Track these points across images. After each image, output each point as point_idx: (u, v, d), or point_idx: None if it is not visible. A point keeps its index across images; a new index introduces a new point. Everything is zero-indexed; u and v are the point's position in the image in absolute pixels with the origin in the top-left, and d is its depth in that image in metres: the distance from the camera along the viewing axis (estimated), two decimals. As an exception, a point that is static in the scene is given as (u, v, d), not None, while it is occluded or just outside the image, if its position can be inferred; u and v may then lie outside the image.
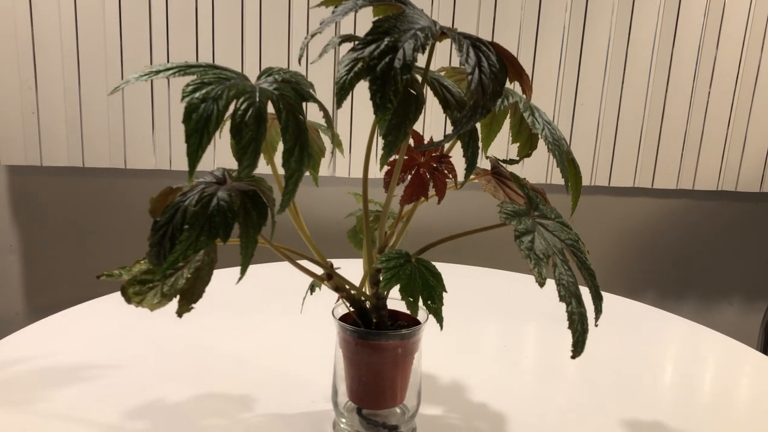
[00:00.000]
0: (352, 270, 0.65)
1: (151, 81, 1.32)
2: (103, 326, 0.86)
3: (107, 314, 0.89)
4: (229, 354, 0.80)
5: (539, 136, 0.52)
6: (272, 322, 0.91)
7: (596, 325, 0.52)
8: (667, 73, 1.39)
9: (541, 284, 0.44)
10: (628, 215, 1.52)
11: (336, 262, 0.61)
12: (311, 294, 0.63)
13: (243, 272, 0.48)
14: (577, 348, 0.46)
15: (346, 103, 1.38)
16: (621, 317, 0.99)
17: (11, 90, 1.30)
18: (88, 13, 1.29)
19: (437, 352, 0.82)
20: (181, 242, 0.47)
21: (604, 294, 1.03)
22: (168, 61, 1.33)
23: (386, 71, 0.44)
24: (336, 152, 1.41)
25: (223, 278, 0.67)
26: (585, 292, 0.50)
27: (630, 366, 0.83)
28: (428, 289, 0.54)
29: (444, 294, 0.54)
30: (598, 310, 0.51)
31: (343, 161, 1.41)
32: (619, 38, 1.37)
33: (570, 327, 0.45)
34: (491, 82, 0.46)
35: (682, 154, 1.43)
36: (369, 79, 0.44)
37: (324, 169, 1.40)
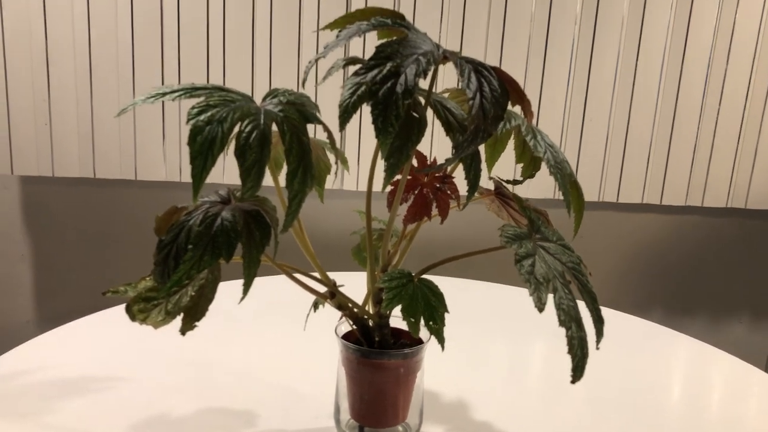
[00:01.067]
0: (356, 284, 0.65)
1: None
2: (109, 338, 0.86)
3: (113, 327, 0.90)
4: (232, 368, 0.80)
5: (541, 159, 0.53)
6: (276, 336, 0.91)
7: (597, 349, 0.52)
8: (677, 89, 1.39)
9: (540, 309, 0.44)
10: (636, 232, 1.52)
11: (340, 276, 0.62)
12: (314, 311, 0.64)
13: (245, 291, 0.49)
14: (577, 373, 0.46)
15: (354, 117, 1.39)
16: (627, 335, 0.99)
17: (25, 102, 1.32)
18: (101, 28, 1.31)
19: (440, 369, 0.82)
20: (185, 262, 0.48)
21: (610, 311, 1.03)
22: (179, 74, 1.35)
23: (388, 96, 0.45)
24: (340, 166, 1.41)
25: (227, 292, 0.67)
26: (586, 315, 0.50)
27: (636, 385, 0.82)
28: (430, 310, 0.54)
29: (446, 313, 0.54)
30: (600, 334, 0.51)
31: (350, 174, 1.42)
32: (628, 54, 1.37)
33: (570, 352, 0.46)
34: (492, 106, 0.46)
35: (691, 171, 1.43)
36: (371, 104, 0.45)
37: (330, 182, 1.41)
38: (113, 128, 1.34)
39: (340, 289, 0.60)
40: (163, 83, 1.33)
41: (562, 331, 0.48)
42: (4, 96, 1.31)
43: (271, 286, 1.08)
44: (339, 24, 0.52)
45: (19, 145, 1.33)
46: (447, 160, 0.46)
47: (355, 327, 0.61)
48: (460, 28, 1.35)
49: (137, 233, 1.46)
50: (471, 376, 0.82)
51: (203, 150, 0.45)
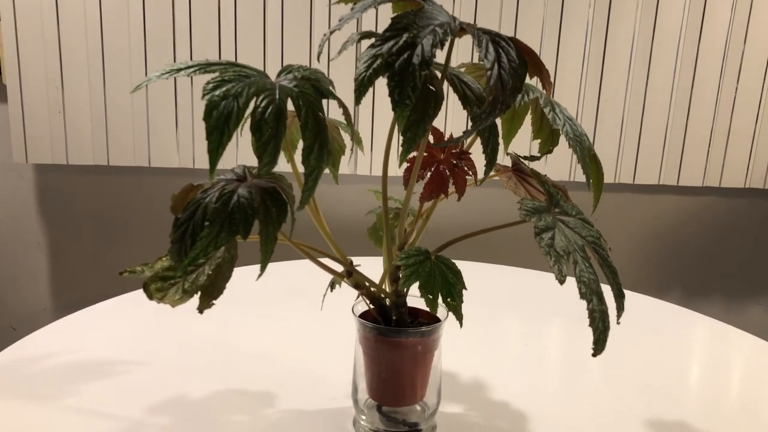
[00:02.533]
0: (373, 267, 0.65)
1: (175, 80, 1.33)
2: (128, 323, 0.87)
3: (131, 311, 0.90)
4: (250, 351, 0.80)
5: (560, 132, 0.52)
6: (293, 319, 0.91)
7: (618, 323, 0.51)
8: (693, 68, 1.37)
9: (561, 281, 0.43)
10: (653, 213, 1.50)
11: (356, 260, 0.61)
12: (331, 291, 0.63)
13: (263, 269, 0.49)
14: (598, 346, 0.45)
15: (368, 102, 1.38)
16: (646, 316, 0.98)
17: (38, 89, 1.32)
18: (113, 13, 1.31)
19: (458, 349, 0.82)
20: (201, 239, 0.47)
21: (628, 293, 1.02)
22: (191, 56, 1.34)
23: (405, 67, 0.44)
24: (357, 150, 1.41)
25: (244, 275, 0.67)
26: (607, 290, 0.49)
27: (655, 366, 0.82)
28: (448, 287, 0.54)
29: (464, 291, 0.54)
30: (620, 308, 0.51)
31: (364, 159, 1.41)
32: (644, 33, 1.35)
33: (591, 325, 0.45)
34: (511, 77, 0.46)
35: (708, 151, 1.41)
36: (387, 76, 0.44)
37: (345, 167, 1.41)
38: (127, 115, 1.34)
39: (357, 269, 0.60)
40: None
41: (579, 312, 0.47)
42: (18, 84, 1.32)
43: (288, 271, 1.08)
44: (355, -3, 0.51)
45: (33, 133, 1.33)
46: (464, 132, 0.46)
47: (372, 306, 0.61)
48: (473, 8, 1.34)
49: (152, 220, 1.47)
50: (488, 356, 0.82)
51: (219, 125, 0.45)
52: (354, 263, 0.60)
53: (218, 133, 0.45)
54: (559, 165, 1.41)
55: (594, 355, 0.45)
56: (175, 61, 1.34)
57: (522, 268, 1.16)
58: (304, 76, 0.51)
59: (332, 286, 0.63)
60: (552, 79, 1.37)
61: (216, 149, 0.44)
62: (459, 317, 0.53)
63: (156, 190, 1.44)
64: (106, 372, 0.73)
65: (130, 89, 1.33)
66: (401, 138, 0.48)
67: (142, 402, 0.67)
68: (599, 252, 0.50)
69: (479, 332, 0.88)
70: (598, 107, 1.38)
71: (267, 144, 0.46)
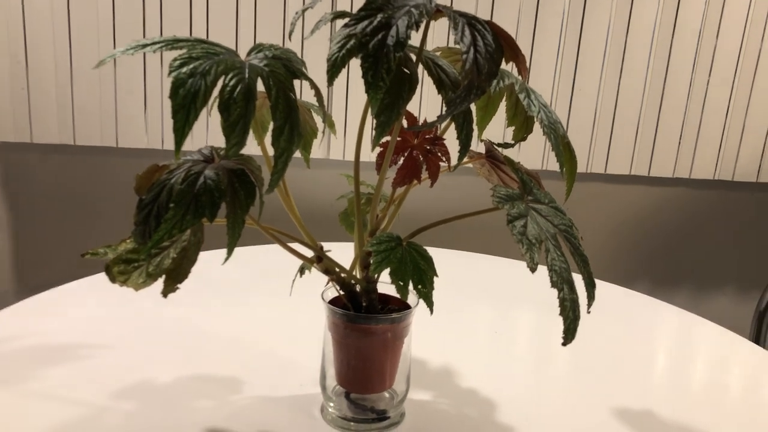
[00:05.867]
0: (344, 253, 0.64)
1: (144, 58, 1.30)
2: (92, 306, 0.85)
3: (96, 294, 0.88)
4: (217, 336, 0.79)
5: (535, 119, 0.51)
6: (261, 304, 0.90)
7: (588, 312, 0.51)
8: (667, 60, 1.38)
9: (533, 269, 0.43)
10: (623, 203, 1.51)
11: (327, 246, 0.60)
12: (300, 276, 0.62)
13: (229, 252, 0.47)
14: (568, 335, 0.45)
15: (341, 84, 1.37)
16: (614, 305, 0.99)
17: (0, 65, 1.28)
18: (81, -11, 1.27)
19: (427, 336, 0.81)
20: (166, 221, 0.46)
21: (597, 282, 1.03)
22: (161, 32, 1.31)
23: (379, 48, 0.43)
24: (329, 134, 1.39)
25: (211, 259, 0.66)
26: (578, 279, 0.49)
27: (622, 354, 0.82)
28: (419, 273, 0.53)
29: (435, 278, 0.53)
30: (591, 297, 0.51)
31: (337, 143, 1.40)
32: (619, 24, 1.35)
33: (561, 314, 0.45)
34: (486, 62, 0.45)
35: (679, 143, 1.42)
36: (361, 57, 0.43)
37: (317, 152, 1.39)
38: (94, 94, 1.30)
39: (327, 254, 0.59)
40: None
41: (550, 300, 0.47)
42: (-20, 59, 1.27)
43: (257, 255, 1.06)
44: (327, -25, 0.50)
45: (-4, 110, 1.29)
46: (438, 117, 0.45)
47: (342, 292, 0.60)
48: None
49: (118, 201, 1.43)
50: (458, 343, 0.82)
51: (186, 103, 0.43)
52: (324, 249, 0.59)
53: (184, 112, 0.43)
54: (533, 153, 1.41)
55: (564, 344, 0.45)
56: (144, 34, 1.31)
57: (494, 256, 1.16)
58: (275, 55, 0.49)
59: (301, 271, 0.62)
60: (527, 66, 1.37)
61: (182, 128, 0.43)
62: (430, 304, 0.52)
63: (123, 170, 1.41)
64: (69, 356, 0.71)
65: (97, 67, 1.30)
66: (374, 122, 0.47)
67: (106, 387, 0.65)
68: (571, 241, 0.50)
69: (450, 319, 0.88)
70: (572, 97, 1.38)
71: (235, 124, 0.44)
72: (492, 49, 0.45)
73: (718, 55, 1.39)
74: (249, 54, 0.50)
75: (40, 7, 1.26)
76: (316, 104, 0.67)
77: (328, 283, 0.61)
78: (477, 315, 0.92)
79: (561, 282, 0.45)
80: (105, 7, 1.28)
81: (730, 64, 1.39)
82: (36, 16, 1.27)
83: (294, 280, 0.63)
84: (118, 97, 1.32)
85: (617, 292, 1.04)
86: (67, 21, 1.28)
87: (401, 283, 0.52)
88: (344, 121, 1.38)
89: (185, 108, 0.43)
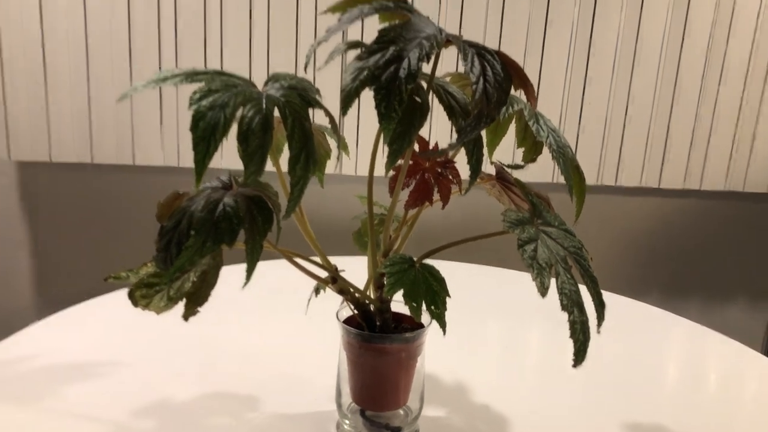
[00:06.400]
0: (358, 268, 0.65)
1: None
2: (110, 323, 0.86)
3: (114, 311, 0.90)
4: (234, 352, 0.80)
5: (544, 144, 0.53)
6: (277, 320, 0.91)
7: (598, 332, 0.52)
8: (676, 71, 1.39)
9: (543, 294, 0.44)
10: (634, 215, 1.52)
11: (342, 261, 0.62)
12: (316, 296, 0.64)
13: (248, 278, 0.49)
14: (579, 357, 0.46)
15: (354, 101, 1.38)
16: (625, 318, 0.99)
17: (20, 85, 1.31)
18: (97, 8, 1.29)
19: (441, 352, 0.82)
20: (187, 248, 0.48)
21: (608, 294, 1.03)
22: (176, 55, 1.34)
23: (391, 81, 0.44)
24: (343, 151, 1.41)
25: (229, 276, 0.67)
26: (587, 299, 0.50)
27: (634, 368, 0.83)
28: (432, 294, 0.54)
29: (447, 298, 0.55)
30: (601, 317, 0.52)
31: (350, 159, 1.41)
32: (628, 36, 1.36)
33: (572, 336, 0.46)
34: (496, 91, 0.46)
35: (689, 154, 1.43)
36: (374, 89, 0.44)
37: (330, 167, 1.40)
38: (110, 113, 1.33)
39: (342, 274, 0.60)
40: (160, 66, 1.32)
41: (561, 314, 0.48)
42: (0, 79, 1.30)
43: (274, 272, 1.08)
44: (340, 7, 0.51)
45: (16, 129, 1.32)
46: (449, 145, 0.46)
47: (356, 312, 0.62)
48: (459, 10, 1.34)
49: (135, 218, 1.46)
50: (471, 359, 0.83)
51: (206, 135, 0.45)
52: (339, 269, 0.61)
53: (205, 144, 0.45)
54: (543, 167, 1.42)
55: (574, 365, 0.46)
56: (160, 58, 1.33)
57: (504, 269, 1.17)
58: (291, 85, 0.51)
59: (317, 291, 0.64)
60: (537, 81, 1.39)
61: (202, 160, 0.45)
62: (443, 325, 0.54)
63: (140, 188, 1.44)
64: (89, 374, 0.73)
65: (113, 86, 1.32)
66: (386, 149, 0.49)
67: (124, 405, 0.67)
68: (581, 262, 0.51)
69: (461, 334, 0.89)
70: (581, 109, 1.39)
71: (253, 154, 0.46)
72: (501, 78, 0.47)
73: (728, 65, 1.39)
74: (266, 84, 0.51)
75: (57, 28, 1.29)
76: (329, 126, 0.69)
77: (342, 302, 0.62)
78: (488, 329, 0.93)
79: (571, 305, 0.46)
80: (121, 28, 1.30)
81: (740, 73, 1.40)
82: (53, 37, 1.30)
83: (309, 300, 0.64)
84: (134, 116, 1.34)
85: (627, 305, 1.05)
86: (84, 43, 1.30)
87: (414, 305, 0.53)
88: (356, 135, 1.40)
89: (205, 140, 0.45)
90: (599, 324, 0.52)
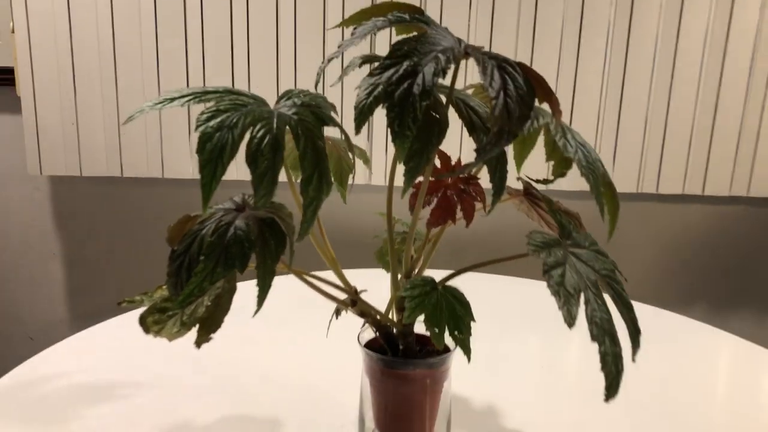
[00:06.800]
0: (385, 283, 0.62)
1: (204, 83, 1.32)
2: (133, 341, 0.86)
3: (137, 330, 0.89)
4: (257, 372, 0.79)
5: (572, 160, 0.49)
6: (300, 337, 0.89)
7: (633, 361, 0.48)
8: (719, 72, 1.33)
9: (571, 324, 0.41)
10: (677, 223, 1.46)
11: (368, 273, 0.60)
12: (336, 318, 0.61)
13: (260, 304, 0.47)
14: (611, 391, 0.43)
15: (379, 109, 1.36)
16: (667, 334, 0.94)
17: (52, 101, 1.32)
18: (126, 24, 1.30)
19: (468, 372, 0.79)
20: (197, 274, 0.46)
21: (650, 308, 0.99)
22: (203, 71, 1.34)
23: (404, 98, 0.42)
24: (372, 157, 1.39)
25: (250, 291, 0.66)
26: (621, 325, 0.47)
27: (678, 388, 0.78)
28: (455, 319, 0.51)
29: (472, 323, 0.52)
30: (636, 345, 0.48)
31: (379, 168, 1.39)
32: (668, 36, 1.31)
33: (603, 369, 0.43)
34: (517, 106, 0.43)
35: (735, 159, 1.36)
36: (386, 106, 0.42)
37: (360, 176, 1.38)
38: (140, 127, 1.34)
39: (363, 295, 0.58)
40: (188, 82, 1.32)
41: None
42: (32, 96, 1.32)
43: (296, 285, 1.06)
44: (354, 20, 0.49)
45: (47, 145, 1.33)
46: (469, 164, 0.44)
47: (378, 334, 0.59)
48: (490, 15, 1.31)
49: (165, 230, 1.46)
50: (499, 379, 0.80)
51: (213, 158, 0.43)
52: (359, 289, 0.58)
53: (212, 167, 0.43)
54: (577, 175, 1.37)
55: (606, 400, 0.43)
56: (188, 74, 1.33)
57: (533, 280, 1.13)
58: (304, 102, 0.49)
59: (337, 313, 0.61)
60: (572, 83, 1.34)
61: (209, 183, 0.43)
62: (467, 352, 0.51)
63: (170, 200, 1.44)
64: (108, 396, 0.72)
65: (143, 99, 1.33)
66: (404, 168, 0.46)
67: (146, 426, 0.66)
68: (614, 286, 0.48)
69: (490, 352, 0.86)
70: (620, 113, 1.34)
71: (263, 175, 0.44)
72: (523, 92, 0.44)
73: (775, 65, 1.32)
74: (278, 102, 0.49)
75: (88, 45, 1.30)
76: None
77: (364, 324, 0.60)
78: (520, 346, 0.89)
79: (602, 334, 0.43)
80: (149, 44, 1.31)
81: (789, 74, 1.33)
82: (84, 55, 1.31)
83: (330, 322, 0.62)
84: (162, 129, 1.34)
85: (672, 320, 1.00)
86: (113, 58, 1.31)
87: (437, 331, 0.51)
88: (385, 144, 1.37)
89: (212, 162, 0.43)
90: (634, 353, 0.48)
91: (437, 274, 0.54)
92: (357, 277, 0.70)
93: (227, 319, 0.53)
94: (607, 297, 0.47)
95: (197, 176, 0.42)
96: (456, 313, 0.52)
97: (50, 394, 0.72)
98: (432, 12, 1.30)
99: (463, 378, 0.76)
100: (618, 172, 1.35)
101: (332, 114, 0.50)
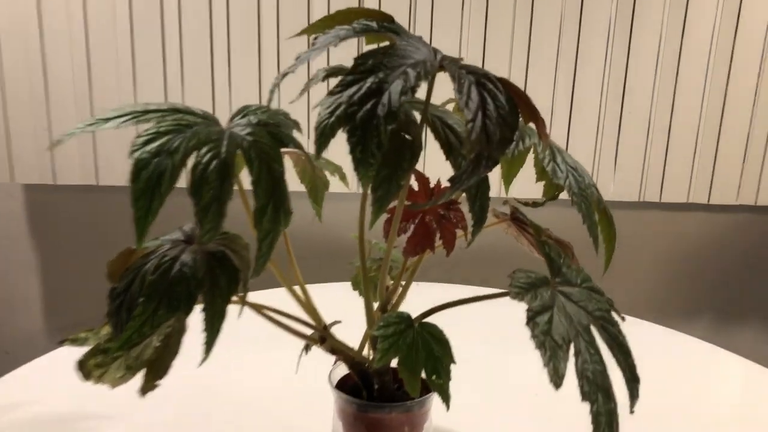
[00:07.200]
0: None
1: (165, 94, 1.27)
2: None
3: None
4: (226, 401, 0.73)
5: (562, 187, 0.44)
6: (274, 359, 0.84)
7: (631, 413, 0.43)
8: (726, 76, 1.27)
9: (557, 384, 0.35)
10: (681, 233, 1.40)
11: (341, 309, 0.54)
12: (306, 354, 0.56)
13: (207, 351, 0.41)
14: (605, 457, 0.37)
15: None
16: (670, 354, 0.89)
17: (23, 107, 1.26)
18: (100, 29, 1.24)
19: (453, 411, 0.74)
20: (135, 318, 0.40)
21: (649, 325, 0.93)
22: (182, 77, 1.28)
23: (367, 120, 0.36)
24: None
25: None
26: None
27: (681, 414, 0.73)
28: (433, 361, 0.46)
29: (452, 365, 0.46)
30: (634, 395, 0.43)
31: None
32: (672, 37, 1.25)
33: (595, 430, 0.37)
34: (498, 128, 0.38)
35: (743, 166, 1.30)
36: (347, 130, 0.37)
37: (351, 185, 1.33)
38: (114, 134, 1.28)
39: (338, 327, 0.53)
40: (165, 87, 1.26)
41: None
42: (2, 102, 1.26)
43: (272, 302, 1.01)
44: (317, 28, 0.43)
45: (20, 152, 1.28)
46: (441, 194, 0.38)
47: (351, 371, 0.54)
48: (483, 26, 1.25)
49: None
50: (488, 408, 0.74)
51: (148, 188, 0.38)
52: (332, 323, 0.53)
53: (147, 199, 0.37)
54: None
55: (599, 467, 0.37)
56: (165, 80, 1.27)
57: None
58: (261, 120, 0.43)
59: (307, 348, 0.56)
60: (570, 88, 1.28)
61: (144, 217, 0.37)
62: (446, 398, 0.46)
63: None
64: (75, 428, 0.67)
65: (119, 104, 1.27)
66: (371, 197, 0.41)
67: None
68: (609, 330, 0.42)
69: (480, 378, 0.80)
70: (621, 119, 1.28)
71: (207, 208, 0.38)
72: (505, 113, 0.38)
73: (785, 68, 1.26)
74: (232, 119, 0.44)
75: (60, 51, 1.25)
76: (325, 158, 0.62)
77: (336, 361, 0.55)
78: (513, 372, 0.84)
79: (595, 391, 0.37)
80: (124, 48, 1.25)
81: (799, 77, 1.27)
82: (56, 61, 1.25)
83: (300, 357, 0.56)
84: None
85: (674, 338, 0.94)
86: (86, 64, 1.26)
87: (411, 375, 0.45)
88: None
89: (148, 193, 0.38)
90: (632, 403, 0.43)
91: (427, 289, 0.49)
92: (341, 292, 0.64)
93: (194, 343, 0.47)
94: (600, 339, 0.42)
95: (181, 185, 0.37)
96: (434, 354, 0.46)
97: (4, 426, 0.67)
98: (422, 23, 1.25)
99: (447, 418, 0.70)
100: (618, 180, 1.30)
101: (294, 133, 0.45)
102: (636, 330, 0.76)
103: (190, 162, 0.40)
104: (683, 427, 0.72)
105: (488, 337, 0.91)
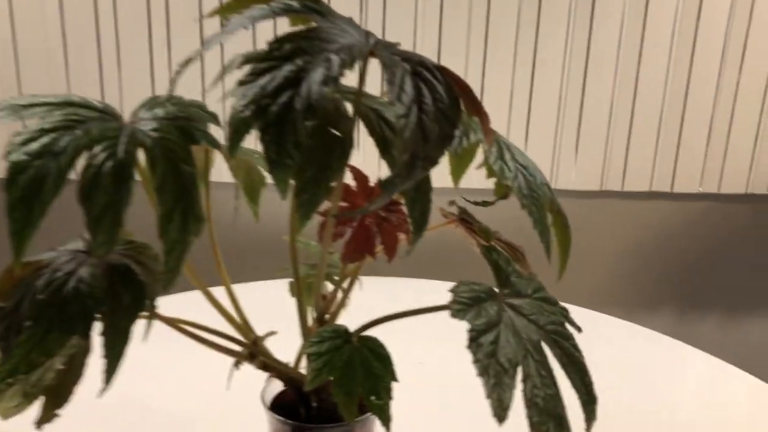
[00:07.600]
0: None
1: (101, 90, 1.19)
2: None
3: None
4: (168, 413, 0.68)
5: (511, 188, 0.39)
6: (214, 370, 0.79)
7: (588, 435, 0.39)
8: (689, 61, 1.24)
9: (501, 418, 0.31)
10: (644, 222, 1.37)
11: (276, 318, 0.49)
12: (237, 369, 0.51)
13: (108, 380, 0.36)
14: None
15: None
16: (631, 350, 0.86)
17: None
18: (27, 22, 1.17)
19: (415, 414, 0.70)
20: (21, 344, 0.35)
21: (610, 319, 0.90)
22: (119, 72, 1.21)
23: (282, 116, 0.31)
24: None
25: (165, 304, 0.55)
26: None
27: (645, 414, 0.70)
28: (372, 381, 0.42)
29: (393, 383, 0.42)
30: (591, 417, 0.39)
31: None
32: (634, 23, 1.21)
33: (545, 466, 0.33)
34: (436, 124, 0.33)
35: (705, 154, 1.28)
36: (259, 127, 0.31)
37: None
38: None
39: (280, 331, 0.48)
40: (101, 80, 1.19)
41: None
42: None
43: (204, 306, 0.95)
44: (232, 8, 0.38)
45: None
46: (373, 203, 0.33)
47: (285, 387, 0.49)
48: (438, 11, 1.20)
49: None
50: (452, 419, 0.70)
51: (27, 196, 0.32)
52: (265, 334, 0.48)
53: (25, 208, 0.32)
54: (574, 173, 1.28)
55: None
56: (101, 68, 1.20)
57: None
58: (170, 113, 0.38)
59: (237, 364, 0.51)
60: (530, 68, 1.24)
61: (22, 230, 0.32)
62: (385, 421, 0.41)
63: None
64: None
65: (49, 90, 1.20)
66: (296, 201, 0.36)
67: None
68: (562, 345, 0.38)
69: (444, 387, 0.76)
70: (582, 105, 1.25)
71: (101, 217, 0.33)
72: (444, 106, 0.33)
73: (749, 55, 1.24)
74: (137, 113, 0.38)
75: (34, 46, 1.17)
76: (258, 152, 0.56)
77: (269, 377, 0.50)
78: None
79: (545, 420, 0.33)
80: (109, 41, 1.17)
81: (763, 65, 1.25)
82: (29, 54, 1.17)
83: (231, 373, 0.51)
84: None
85: (633, 334, 0.91)
86: (64, 58, 1.18)
87: (347, 398, 0.41)
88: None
89: (26, 202, 0.32)
90: (588, 426, 0.39)
91: (383, 282, 0.44)
92: (283, 291, 0.59)
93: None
94: (553, 356, 0.38)
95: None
96: (373, 373, 0.42)
97: None
98: (374, 16, 1.19)
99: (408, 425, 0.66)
100: (579, 167, 1.27)
101: (209, 127, 0.40)
102: (596, 325, 0.73)
103: (81, 164, 0.34)
104: (643, 424, 0.69)
105: (443, 341, 0.87)
